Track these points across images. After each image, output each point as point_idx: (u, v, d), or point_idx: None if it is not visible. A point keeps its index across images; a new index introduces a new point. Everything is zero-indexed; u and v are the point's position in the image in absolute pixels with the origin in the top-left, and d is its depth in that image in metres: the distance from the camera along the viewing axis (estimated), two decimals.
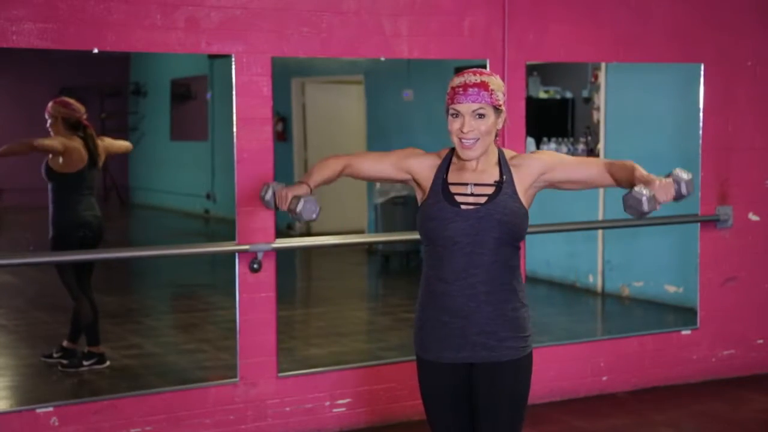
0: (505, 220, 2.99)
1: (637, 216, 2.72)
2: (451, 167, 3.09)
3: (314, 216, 2.97)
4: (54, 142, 5.65)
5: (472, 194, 3.02)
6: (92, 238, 5.81)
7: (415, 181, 3.14)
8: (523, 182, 3.06)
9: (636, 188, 2.74)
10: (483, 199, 3.01)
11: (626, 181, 2.90)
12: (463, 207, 3.01)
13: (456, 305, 3.01)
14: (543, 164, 3.07)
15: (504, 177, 3.04)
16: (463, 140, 2.99)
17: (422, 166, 3.12)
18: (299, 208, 2.96)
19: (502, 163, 3.07)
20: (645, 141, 7.82)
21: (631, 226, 7.30)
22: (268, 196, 3.09)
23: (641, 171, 2.86)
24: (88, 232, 5.78)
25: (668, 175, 2.79)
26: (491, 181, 3.04)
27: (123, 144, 6.20)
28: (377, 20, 5.04)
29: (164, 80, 12.66)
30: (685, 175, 2.77)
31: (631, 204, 2.72)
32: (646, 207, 2.69)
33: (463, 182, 3.05)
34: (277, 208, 3.07)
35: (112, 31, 4.49)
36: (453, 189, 3.04)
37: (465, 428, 3.12)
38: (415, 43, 5.13)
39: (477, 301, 3.00)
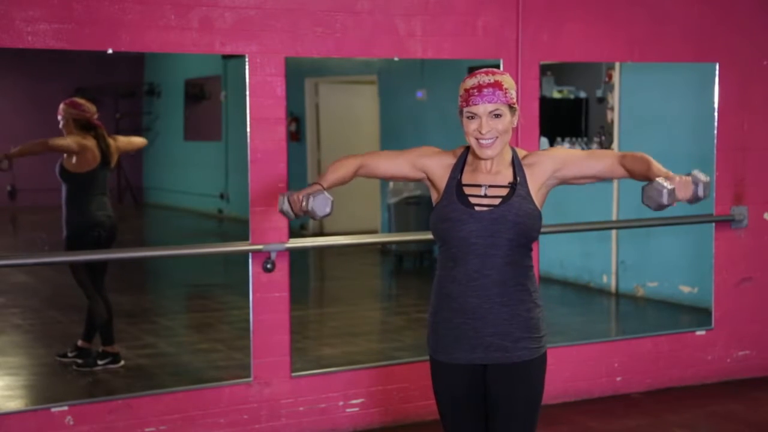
0: (519, 221, 2.98)
1: (654, 208, 2.70)
2: (466, 168, 3.09)
3: (327, 210, 2.94)
4: (69, 141, 5.69)
5: (485, 195, 3.02)
6: (105, 237, 5.84)
7: (429, 180, 3.14)
8: (536, 181, 3.06)
9: (658, 180, 2.70)
10: (497, 201, 3.01)
11: (640, 173, 2.87)
12: (477, 208, 3.01)
13: (470, 306, 3.01)
14: (555, 161, 3.06)
15: (518, 178, 3.04)
16: (481, 141, 2.99)
17: (437, 165, 3.12)
18: (311, 205, 2.93)
19: (516, 164, 3.07)
20: (659, 141, 7.78)
21: (645, 227, 7.28)
22: (285, 206, 3.01)
23: (658, 165, 2.82)
24: (102, 231, 5.81)
25: (687, 175, 2.76)
26: (505, 183, 3.04)
27: (137, 140, 6.17)
28: (391, 20, 5.04)
29: (178, 80, 12.70)
30: (703, 177, 2.75)
31: (651, 195, 2.70)
32: (666, 199, 2.68)
33: (477, 183, 3.05)
34: (296, 216, 3.00)
35: (126, 31, 4.51)
36: (467, 190, 3.04)
37: (479, 429, 3.12)
38: (428, 43, 5.13)
39: (491, 302, 3.00)
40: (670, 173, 2.76)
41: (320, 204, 2.94)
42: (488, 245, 2.98)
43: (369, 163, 3.17)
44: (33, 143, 5.76)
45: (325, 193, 2.96)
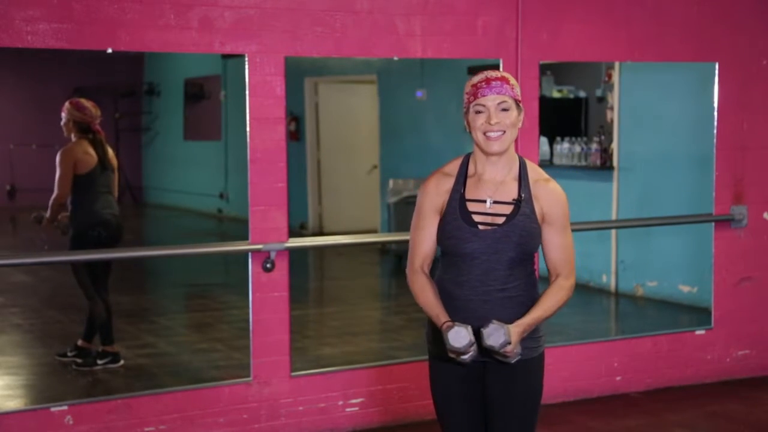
0: (523, 241, 2.99)
1: (492, 344, 2.87)
2: (468, 180, 3.06)
3: (464, 342, 2.88)
4: (65, 171, 5.70)
5: (489, 213, 3.00)
6: (111, 236, 5.83)
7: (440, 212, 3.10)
8: (538, 207, 3.05)
9: (514, 332, 2.90)
10: (500, 219, 2.99)
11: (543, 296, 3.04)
12: (480, 227, 2.99)
13: (471, 306, 3.01)
14: (550, 212, 3.05)
15: (522, 195, 3.02)
16: (489, 133, 2.98)
17: (442, 193, 3.06)
18: (448, 343, 2.90)
19: (522, 177, 3.05)
20: (659, 140, 7.79)
21: (645, 226, 7.29)
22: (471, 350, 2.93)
23: (537, 318, 2.98)
24: (107, 230, 5.80)
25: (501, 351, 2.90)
26: (509, 199, 3.02)
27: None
28: (390, 20, 5.04)
29: (178, 80, 12.70)
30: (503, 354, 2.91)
31: (495, 333, 2.86)
32: (493, 342, 2.86)
33: (481, 198, 3.02)
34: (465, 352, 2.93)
35: (126, 31, 4.51)
36: (470, 206, 3.02)
37: (476, 428, 3.12)
38: (428, 43, 5.13)
39: (491, 303, 3.00)
40: (520, 331, 2.93)
41: (454, 337, 2.89)
42: (492, 260, 2.99)
43: (423, 259, 3.09)
44: (54, 205, 5.74)
45: (456, 326, 2.90)
